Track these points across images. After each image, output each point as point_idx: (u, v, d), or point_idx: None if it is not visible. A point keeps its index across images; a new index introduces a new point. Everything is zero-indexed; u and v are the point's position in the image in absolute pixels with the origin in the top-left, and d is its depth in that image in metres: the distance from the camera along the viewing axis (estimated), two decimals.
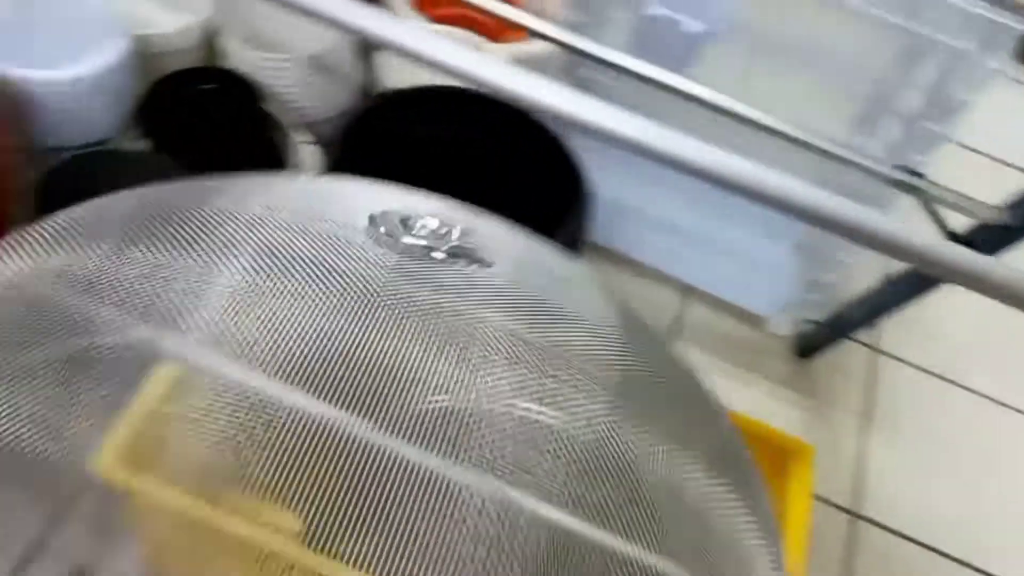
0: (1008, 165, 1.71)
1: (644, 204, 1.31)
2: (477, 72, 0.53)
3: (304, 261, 0.39)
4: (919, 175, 0.95)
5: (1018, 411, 1.37)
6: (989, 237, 0.97)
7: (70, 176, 0.77)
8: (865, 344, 1.37)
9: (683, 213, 1.31)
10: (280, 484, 0.34)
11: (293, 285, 0.38)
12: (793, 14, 1.21)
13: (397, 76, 1.04)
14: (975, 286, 0.56)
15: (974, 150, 1.72)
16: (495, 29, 1.14)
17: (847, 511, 1.19)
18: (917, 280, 1.11)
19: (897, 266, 1.25)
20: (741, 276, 1.31)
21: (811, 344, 1.32)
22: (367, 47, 1.06)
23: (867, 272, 1.34)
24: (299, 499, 0.33)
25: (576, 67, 1.20)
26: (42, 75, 0.74)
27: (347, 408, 0.35)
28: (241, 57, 0.90)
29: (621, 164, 1.36)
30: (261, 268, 0.39)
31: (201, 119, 0.85)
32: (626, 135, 0.51)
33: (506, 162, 0.98)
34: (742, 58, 1.23)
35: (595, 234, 1.27)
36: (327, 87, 0.97)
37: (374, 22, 0.55)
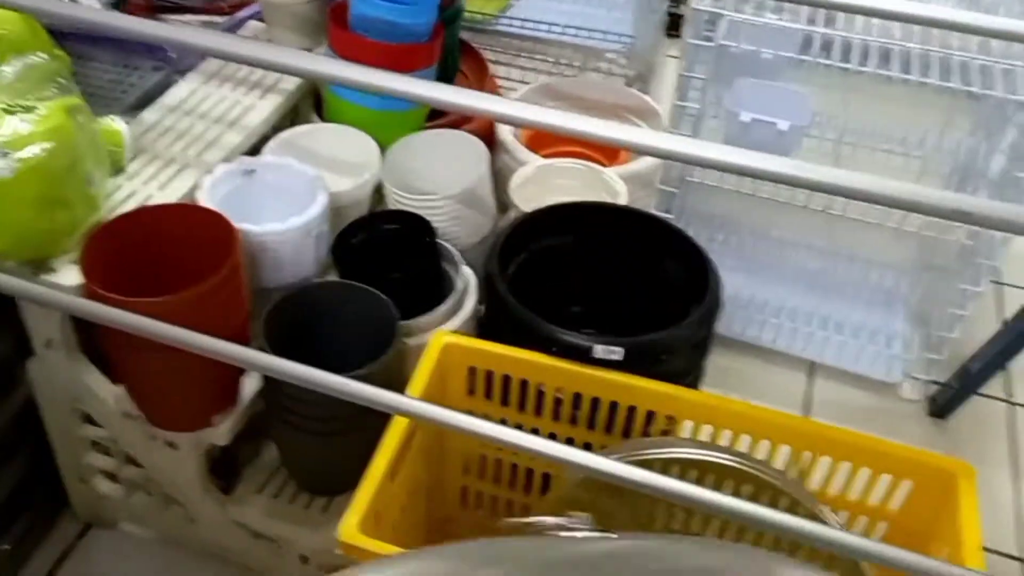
0: None
1: (760, 293, 1.39)
2: (608, 135, 0.62)
3: None
4: None
5: None
6: None
7: (290, 307, 0.91)
8: (999, 399, 1.39)
9: (801, 296, 1.39)
10: None
11: None
12: (873, 103, 1.32)
13: (527, 205, 1.18)
14: None
15: None
16: (606, 155, 1.29)
17: (1018, 559, 1.18)
18: None
19: (1011, 310, 1.28)
20: (863, 348, 1.36)
21: (944, 404, 1.34)
22: (500, 183, 1.21)
23: (984, 325, 1.38)
24: None
25: (678, 178, 1.32)
26: (268, 228, 0.90)
27: None
28: (402, 201, 1.05)
29: (735, 260, 1.46)
30: None
31: (383, 253, 0.99)
32: (767, 168, 0.59)
33: (639, 260, 1.09)
34: (832, 152, 1.34)
35: (720, 327, 1.36)
36: (473, 219, 1.11)
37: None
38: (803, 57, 1.13)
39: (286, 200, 0.95)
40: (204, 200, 0.90)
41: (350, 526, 0.68)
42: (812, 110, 1.21)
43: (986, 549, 1.19)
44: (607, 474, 0.61)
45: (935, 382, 1.35)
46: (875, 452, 0.85)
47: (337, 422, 0.84)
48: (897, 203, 0.56)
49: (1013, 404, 1.38)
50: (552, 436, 0.94)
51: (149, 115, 1.03)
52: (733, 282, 1.41)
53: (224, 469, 1.01)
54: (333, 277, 0.98)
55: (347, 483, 0.80)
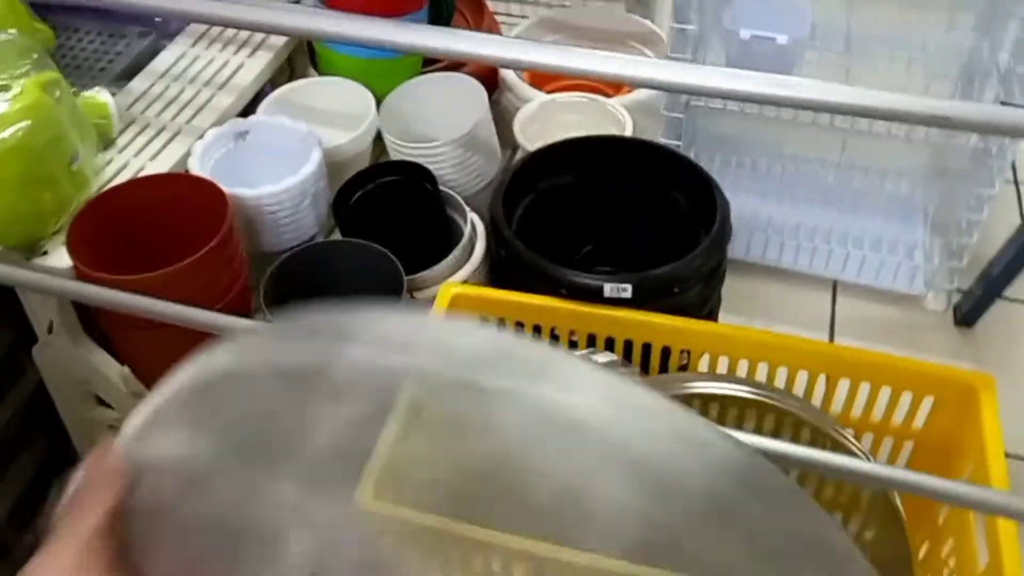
0: None
1: (776, 214, 1.35)
2: (604, 70, 0.59)
3: None
4: None
5: None
6: None
7: (290, 270, 0.89)
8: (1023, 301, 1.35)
9: (818, 214, 1.35)
10: None
11: None
12: (873, 9, 1.26)
13: (533, 142, 1.15)
14: None
15: None
16: (612, 84, 1.24)
17: None
18: None
19: None
20: (884, 260, 1.32)
21: (970, 311, 1.31)
22: (505, 122, 1.17)
23: (1005, 226, 1.33)
24: None
25: (683, 103, 1.28)
26: (263, 190, 0.88)
27: None
28: (403, 151, 1.02)
29: (748, 181, 1.42)
30: None
31: (387, 207, 0.97)
32: (756, 91, 0.56)
33: (647, 194, 1.06)
34: (837, 61, 1.28)
35: (736, 251, 1.32)
36: (477, 163, 1.08)
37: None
38: None
39: (281, 160, 0.93)
40: (196, 167, 0.88)
41: (366, 492, 0.67)
42: (811, 21, 1.16)
43: (1014, 456, 1.17)
44: None
45: (959, 290, 1.31)
46: (894, 370, 0.83)
47: None
48: (877, 113, 0.53)
49: None
50: None
51: (137, 84, 1.01)
52: (748, 205, 1.37)
53: None
54: (337, 236, 0.96)
55: None
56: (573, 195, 1.07)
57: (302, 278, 0.91)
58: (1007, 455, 1.15)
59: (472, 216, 1.00)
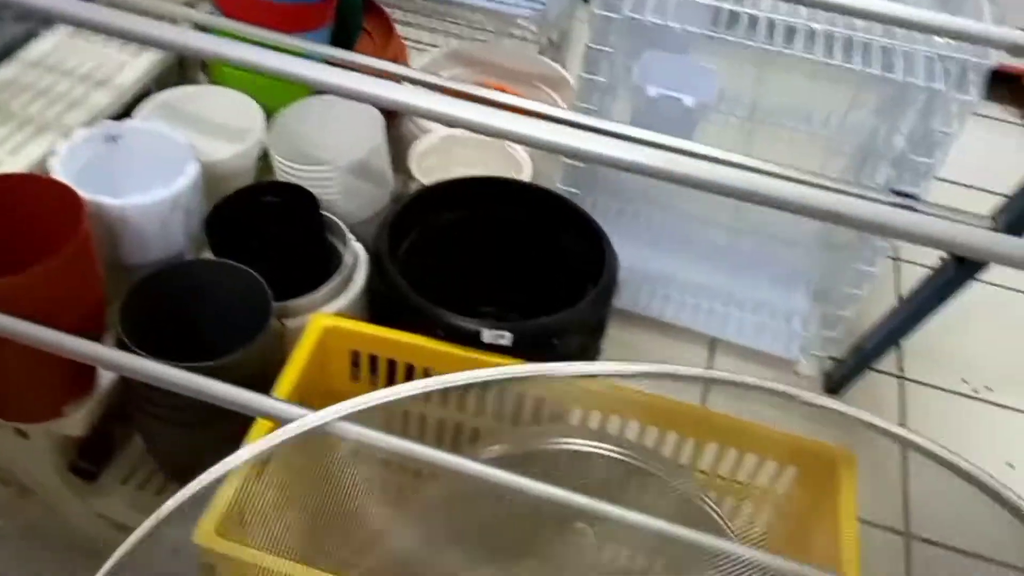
0: (988, 192, 1.75)
1: (666, 268, 1.35)
2: (493, 124, 0.57)
3: None
4: (911, 196, 0.99)
5: None
6: None
7: (153, 288, 0.82)
8: (891, 374, 1.39)
9: (706, 272, 1.36)
10: None
11: None
12: (781, 80, 1.28)
13: (428, 176, 1.11)
14: (1013, 264, 0.57)
15: (955, 182, 1.76)
16: None
17: (899, 532, 1.18)
18: (925, 301, 1.14)
19: (905, 291, 1.28)
20: (764, 324, 1.34)
21: (839, 380, 1.33)
22: (401, 150, 1.13)
23: (882, 303, 1.37)
24: None
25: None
26: (129, 200, 0.81)
27: None
28: (290, 172, 0.97)
29: (642, 233, 1.42)
30: None
31: (263, 229, 0.91)
32: (650, 164, 0.55)
33: (536, 239, 1.03)
34: (740, 126, 1.30)
35: (622, 301, 1.31)
36: (367, 191, 1.03)
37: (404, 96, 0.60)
38: (712, 32, 1.08)
39: (154, 170, 0.86)
40: (59, 168, 0.81)
41: (205, 530, 0.61)
42: (718, 86, 1.16)
43: (873, 524, 1.19)
44: (484, 480, 0.56)
45: (831, 358, 1.34)
46: (761, 439, 0.84)
47: (200, 411, 0.77)
48: (767, 200, 0.52)
49: (904, 379, 1.39)
50: (440, 421, 0.89)
51: (5, 71, 0.92)
52: (639, 256, 1.37)
53: (95, 453, 0.92)
54: (208, 254, 0.89)
55: None
56: (464, 234, 1.04)
57: (165, 296, 0.84)
58: (870, 523, 1.18)
59: (355, 246, 0.96)
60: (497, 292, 1.06)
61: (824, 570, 0.61)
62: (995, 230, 0.98)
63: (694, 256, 1.39)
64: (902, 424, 1.34)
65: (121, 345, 0.74)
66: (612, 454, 0.77)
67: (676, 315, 1.35)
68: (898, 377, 1.39)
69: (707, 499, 0.77)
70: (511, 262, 1.05)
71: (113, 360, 0.60)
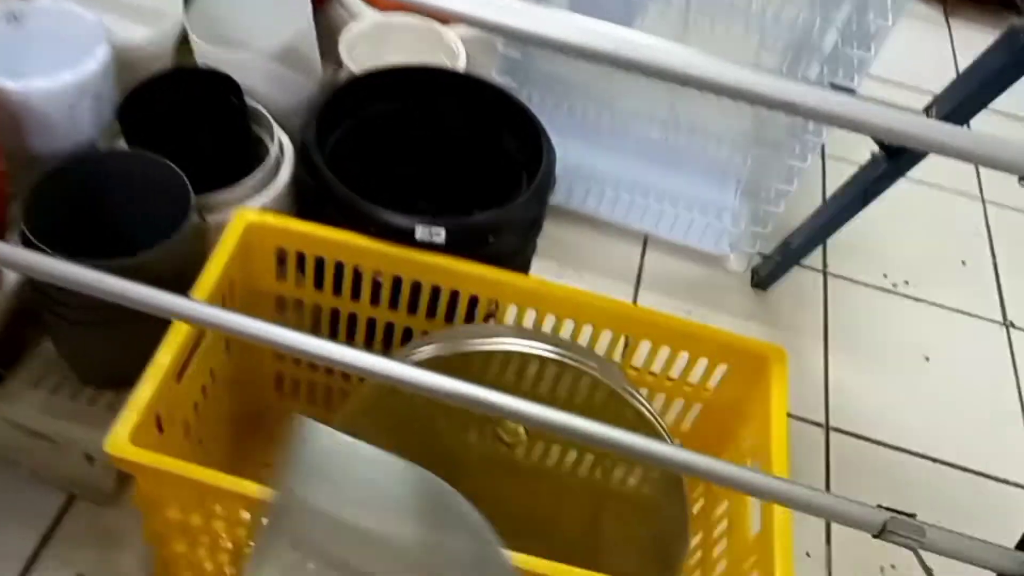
0: (921, 91, 1.75)
1: (597, 163, 1.32)
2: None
3: None
4: (851, 91, 0.97)
5: (957, 311, 1.41)
6: None
7: (61, 179, 0.76)
8: (815, 269, 1.41)
9: (641, 168, 1.33)
10: None
11: None
12: None
13: (359, 64, 1.05)
14: (955, 154, 0.55)
15: (884, 79, 1.76)
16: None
17: (820, 425, 1.22)
18: (852, 198, 1.14)
19: (832, 189, 1.28)
20: (694, 219, 1.33)
21: (766, 276, 1.35)
22: (330, 37, 1.06)
23: (809, 200, 1.38)
24: None
25: (521, 45, 1.21)
26: (32, 84, 0.74)
27: None
28: (211, 57, 0.90)
29: (578, 128, 1.38)
30: None
31: (182, 117, 0.85)
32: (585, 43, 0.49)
33: (472, 132, 0.99)
34: (675, 21, 1.25)
35: (557, 197, 1.29)
36: (294, 79, 0.97)
37: None
38: None
39: (61, 52, 0.78)
40: None
41: (119, 438, 0.59)
42: None
43: (795, 416, 1.23)
44: (406, 383, 0.54)
45: (760, 254, 1.35)
46: (693, 336, 0.84)
47: (114, 312, 0.73)
48: (724, 89, 0.48)
49: (828, 274, 1.41)
50: (371, 321, 0.86)
51: None
52: (575, 151, 1.34)
53: (1, 356, 0.87)
54: (122, 145, 0.83)
55: (136, 374, 0.69)
56: (397, 126, 0.99)
57: (75, 190, 0.78)
58: (793, 416, 1.22)
59: (281, 137, 0.90)
60: (432, 189, 1.02)
61: (748, 468, 0.61)
62: None
63: (629, 152, 1.37)
64: (825, 318, 1.37)
65: (26, 242, 0.69)
66: (546, 353, 0.76)
67: (610, 212, 1.33)
68: (822, 272, 1.41)
69: (638, 396, 0.77)
70: (446, 157, 1.01)
71: (15, 259, 0.55)
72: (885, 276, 1.43)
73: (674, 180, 1.34)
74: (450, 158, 1.01)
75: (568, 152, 1.28)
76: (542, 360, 0.76)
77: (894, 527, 0.60)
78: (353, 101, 0.94)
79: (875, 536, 0.61)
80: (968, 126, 0.99)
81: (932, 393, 1.30)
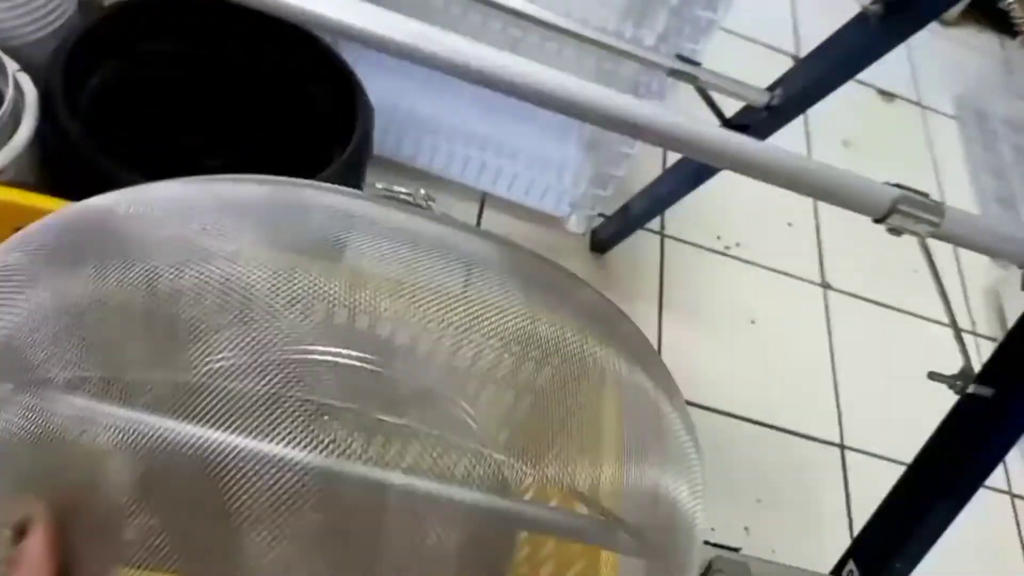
0: (777, 50, 1.71)
1: (430, 111, 1.17)
2: None
3: None
4: (694, 63, 0.88)
5: (782, 273, 1.39)
6: (761, 120, 0.93)
7: None
8: (653, 231, 1.34)
9: (472, 118, 1.19)
10: None
11: None
12: None
13: None
14: (743, 170, 0.50)
15: (745, 37, 1.70)
16: None
17: None
18: (694, 168, 1.06)
19: (676, 157, 1.21)
20: (534, 179, 1.22)
21: (605, 239, 1.26)
22: None
23: (653, 164, 1.30)
24: None
25: None
26: None
27: None
28: None
29: (399, 70, 1.21)
30: None
31: None
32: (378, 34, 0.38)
33: (270, 79, 0.82)
34: None
35: (380, 146, 1.13)
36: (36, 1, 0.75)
37: None
38: None
39: None
40: None
41: None
42: None
43: None
44: None
45: (601, 215, 1.26)
46: None
47: None
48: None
49: (664, 236, 1.35)
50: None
51: None
52: (405, 99, 1.17)
53: None
54: None
55: None
56: (178, 71, 0.80)
57: None
58: None
59: (21, 78, 0.69)
60: (224, 150, 0.84)
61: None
62: (771, 104, 0.90)
63: (464, 102, 1.22)
64: (661, 282, 1.31)
65: None
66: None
67: (446, 167, 1.19)
68: (659, 234, 1.35)
69: None
70: (241, 110, 0.83)
71: None
72: (719, 238, 1.39)
73: (513, 136, 1.21)
74: (246, 111, 0.83)
75: (398, 99, 1.12)
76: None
77: (721, 565, 0.53)
78: (122, 36, 0.74)
79: None
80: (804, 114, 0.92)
81: (755, 356, 1.27)
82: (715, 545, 0.54)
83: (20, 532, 0.29)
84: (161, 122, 0.78)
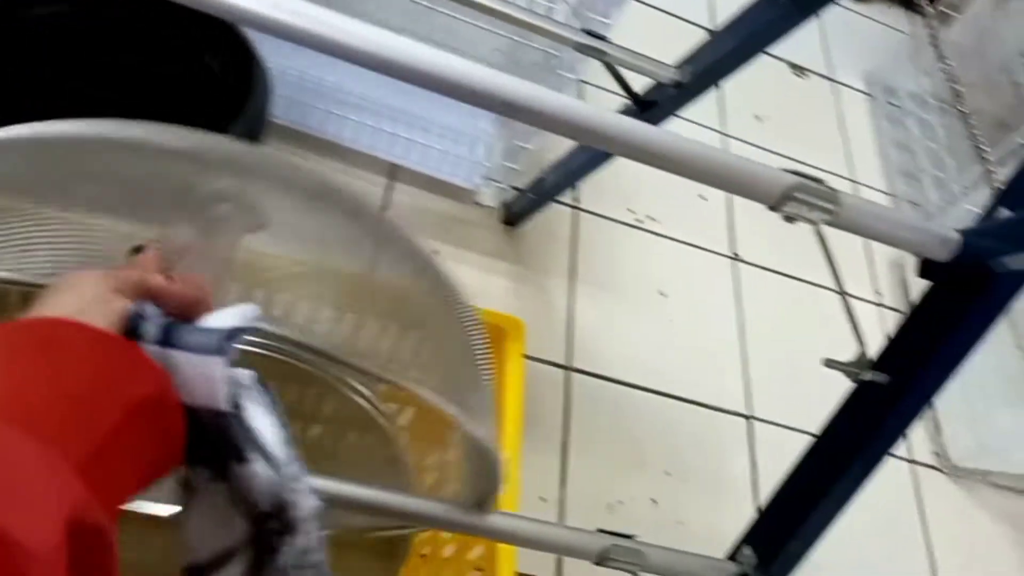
0: (689, 23, 1.71)
1: (338, 81, 1.14)
2: None
3: None
4: (602, 38, 0.87)
5: (693, 246, 1.41)
6: (670, 96, 0.93)
7: None
8: (566, 204, 1.34)
9: (381, 90, 1.16)
10: None
11: None
12: None
13: None
14: (634, 156, 0.50)
15: (658, 8, 1.69)
16: None
17: (561, 366, 1.17)
18: None
19: None
20: (446, 152, 1.20)
21: (517, 212, 1.25)
22: None
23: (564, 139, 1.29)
24: None
25: None
26: None
27: None
28: None
29: None
30: None
31: None
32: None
33: (162, 46, 0.78)
34: None
35: (282, 115, 1.09)
36: None
37: None
38: None
39: None
40: None
41: None
42: None
43: (535, 359, 1.17)
44: None
45: (514, 187, 1.25)
46: None
47: None
48: None
49: (578, 209, 1.34)
50: None
51: None
52: (314, 72, 1.14)
53: None
54: None
55: None
56: (63, 37, 0.75)
57: None
58: (533, 358, 1.15)
59: None
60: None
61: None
62: (681, 82, 0.90)
63: (374, 73, 1.19)
64: (573, 255, 1.31)
65: None
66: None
67: (355, 138, 1.17)
68: (572, 207, 1.35)
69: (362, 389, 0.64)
70: (132, 82, 0.79)
71: None
72: (631, 211, 1.39)
73: (424, 106, 1.18)
74: (137, 83, 0.79)
75: (303, 70, 1.08)
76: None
77: (616, 554, 0.54)
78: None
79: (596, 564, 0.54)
80: (717, 86, 0.93)
81: (665, 328, 1.29)
82: (609, 533, 0.54)
83: (136, 249, 0.41)
84: (43, 90, 0.73)
